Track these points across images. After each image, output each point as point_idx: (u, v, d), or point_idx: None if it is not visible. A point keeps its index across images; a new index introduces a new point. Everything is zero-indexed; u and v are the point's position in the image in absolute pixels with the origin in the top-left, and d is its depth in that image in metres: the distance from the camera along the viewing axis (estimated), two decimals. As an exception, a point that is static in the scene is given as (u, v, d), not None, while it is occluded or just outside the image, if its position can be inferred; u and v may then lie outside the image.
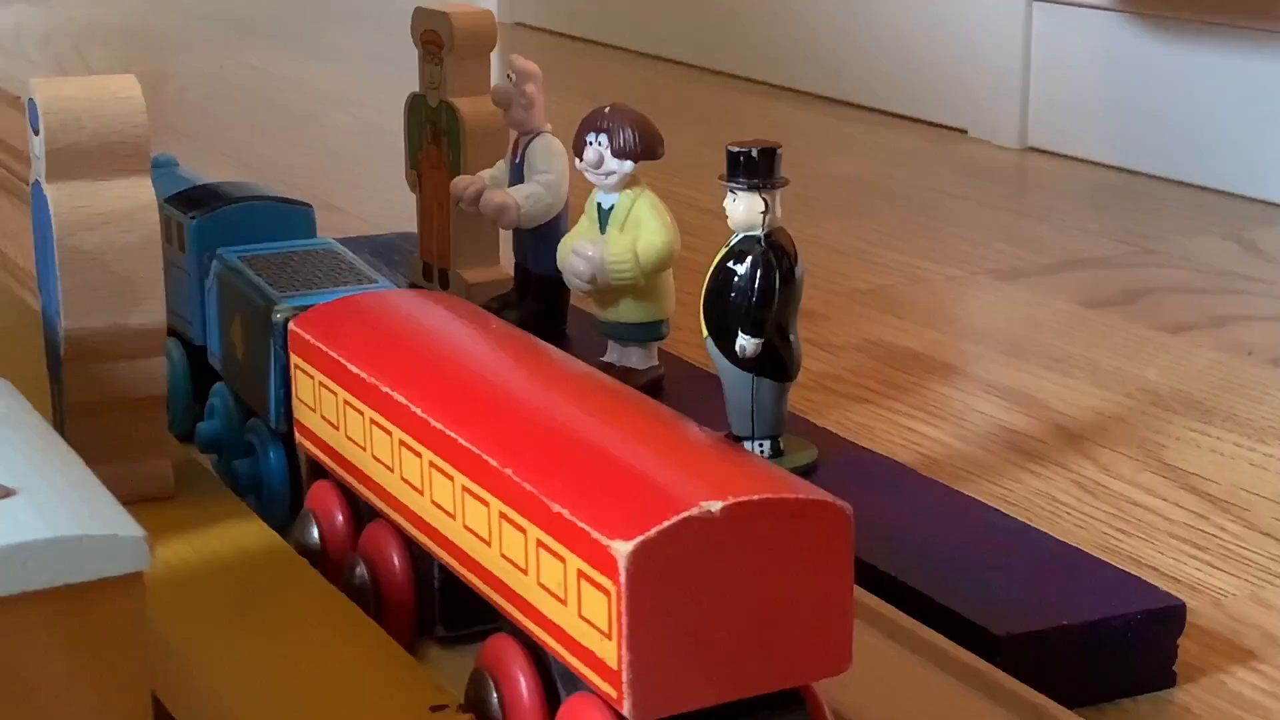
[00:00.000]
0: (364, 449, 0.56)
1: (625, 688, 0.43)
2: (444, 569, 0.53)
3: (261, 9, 2.35)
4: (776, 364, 0.69)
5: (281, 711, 0.51)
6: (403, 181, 0.93)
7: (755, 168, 0.67)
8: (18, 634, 0.43)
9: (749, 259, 0.67)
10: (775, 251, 0.68)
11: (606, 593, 0.43)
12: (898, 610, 0.59)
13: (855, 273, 1.11)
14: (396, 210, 0.90)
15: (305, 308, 0.62)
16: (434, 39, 0.89)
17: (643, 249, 0.75)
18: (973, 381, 0.92)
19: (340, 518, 0.59)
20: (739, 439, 0.70)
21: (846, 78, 1.67)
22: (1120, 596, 0.60)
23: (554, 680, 0.48)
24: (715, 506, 0.43)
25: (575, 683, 0.46)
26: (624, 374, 0.76)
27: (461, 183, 0.84)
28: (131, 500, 0.48)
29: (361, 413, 0.55)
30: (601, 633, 0.43)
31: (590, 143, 0.75)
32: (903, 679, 0.56)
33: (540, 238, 0.83)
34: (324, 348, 0.58)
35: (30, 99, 0.62)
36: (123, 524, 0.44)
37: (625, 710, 0.43)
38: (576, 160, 0.76)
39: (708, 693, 0.44)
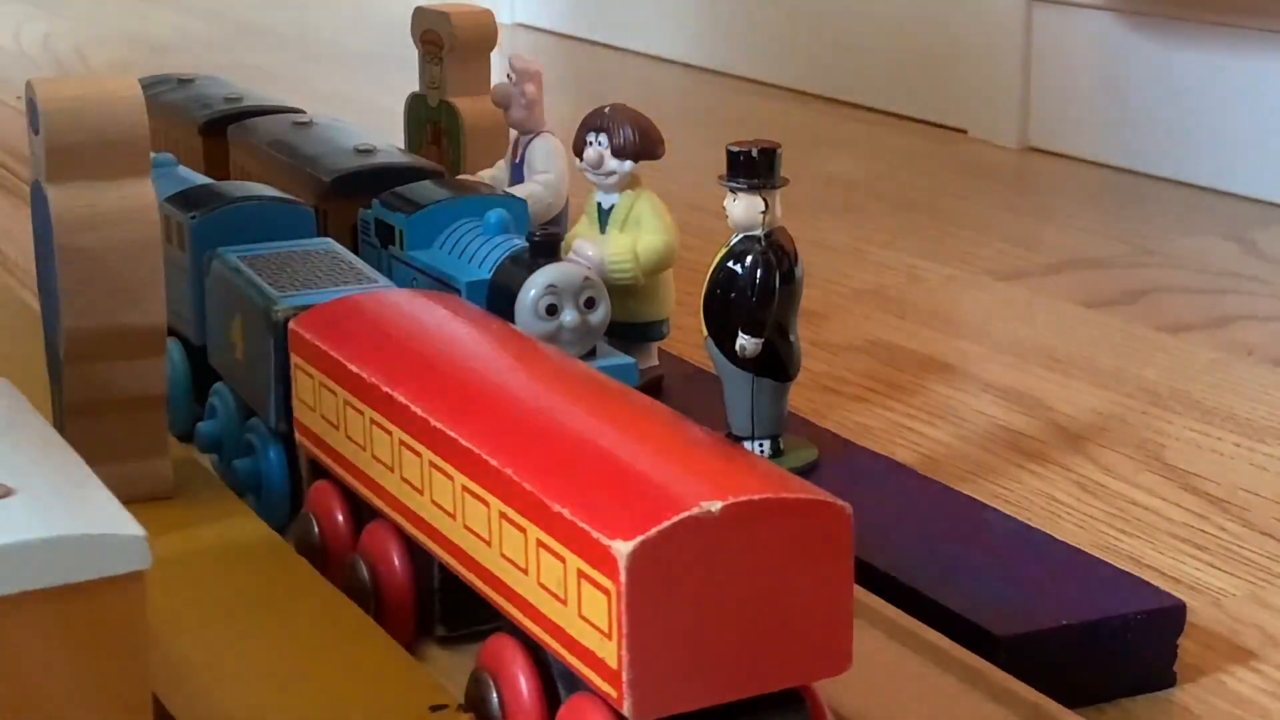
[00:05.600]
0: (364, 449, 0.56)
1: (625, 688, 0.43)
2: (444, 569, 0.53)
3: (261, 9, 2.35)
4: (776, 364, 0.69)
5: (281, 711, 0.51)
6: (403, 181, 0.92)
7: (755, 168, 0.67)
8: (18, 634, 0.43)
9: (749, 259, 0.67)
10: (775, 251, 0.68)
11: (606, 593, 0.43)
12: (898, 610, 0.59)
13: (855, 273, 1.11)
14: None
15: (305, 308, 0.62)
16: (434, 39, 0.89)
17: (643, 249, 0.75)
18: (973, 381, 0.92)
19: (340, 518, 0.59)
20: (739, 439, 0.70)
21: (846, 78, 1.67)
22: (1120, 596, 0.60)
23: (554, 680, 0.48)
24: (715, 506, 0.43)
25: (575, 683, 0.46)
26: (624, 374, 0.76)
27: (462, 183, 0.84)
28: (131, 500, 0.48)
29: (361, 413, 0.55)
30: (601, 633, 0.43)
31: (590, 142, 0.75)
32: (903, 679, 0.56)
33: (540, 238, 0.83)
34: (324, 347, 0.58)
35: (30, 99, 0.62)
36: (123, 523, 0.44)
37: (625, 710, 0.43)
38: (576, 160, 0.76)
39: (708, 693, 0.44)
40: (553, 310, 0.66)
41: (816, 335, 0.97)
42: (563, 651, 0.45)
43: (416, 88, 0.91)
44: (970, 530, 0.66)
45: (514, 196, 0.76)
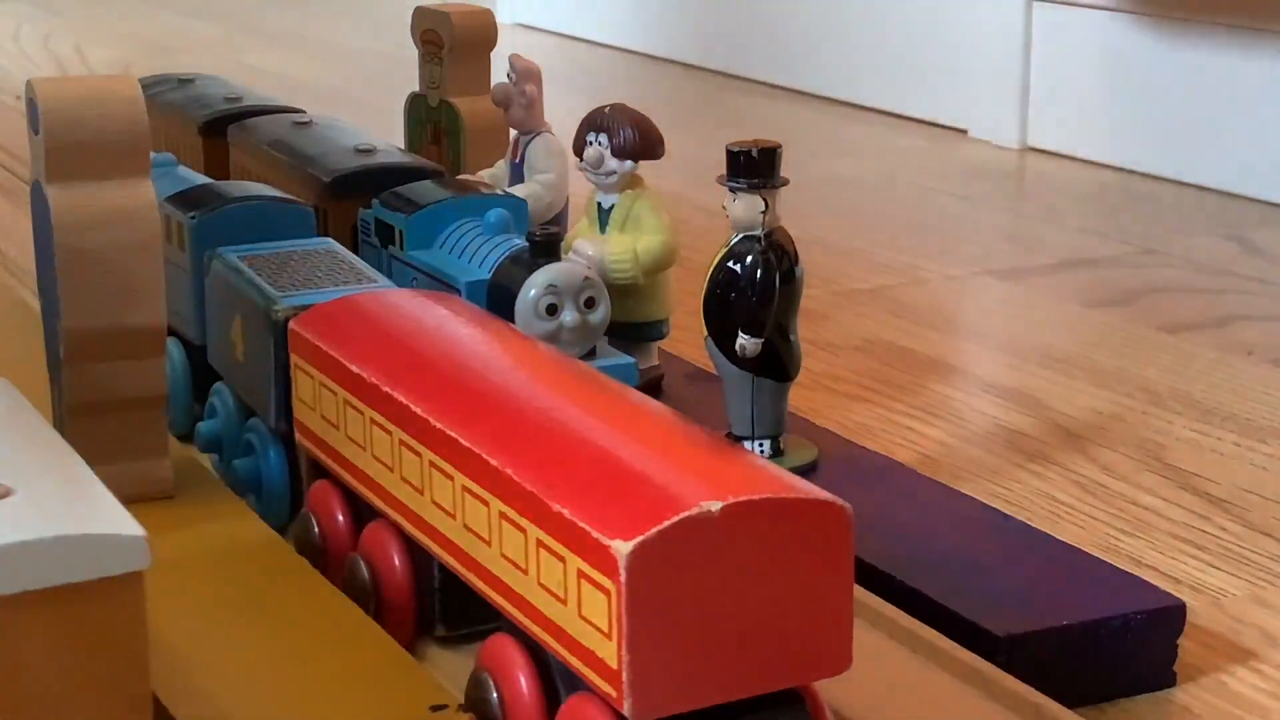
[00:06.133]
0: (364, 449, 0.56)
1: (625, 688, 0.43)
2: (444, 569, 0.53)
3: (261, 9, 2.35)
4: (776, 364, 0.69)
5: (281, 711, 0.51)
6: (403, 181, 0.92)
7: (755, 168, 0.67)
8: (18, 634, 0.43)
9: (749, 259, 0.67)
10: (775, 251, 0.68)
11: (606, 593, 0.43)
12: (899, 610, 0.59)
13: (855, 273, 1.12)
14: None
15: (305, 307, 0.62)
16: (434, 39, 0.89)
17: (642, 249, 0.75)
18: (973, 381, 0.92)
19: (340, 518, 0.59)
20: (739, 439, 0.70)
21: (846, 78, 1.67)
22: (1120, 596, 0.60)
23: (554, 680, 0.48)
24: (715, 506, 0.43)
25: (575, 683, 0.46)
26: (624, 374, 0.76)
27: (462, 183, 0.84)
28: (131, 500, 0.48)
29: (361, 413, 0.55)
30: (601, 633, 0.43)
31: (590, 142, 0.75)
32: (903, 679, 0.56)
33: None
34: (324, 347, 0.58)
35: (30, 99, 0.62)
36: (123, 523, 0.44)
37: (625, 710, 0.43)
38: (576, 160, 0.76)
39: (708, 693, 0.44)
40: (553, 310, 0.65)
41: (816, 335, 0.97)
42: (563, 651, 0.45)
43: (416, 88, 0.91)
44: (970, 530, 0.66)
45: (514, 196, 0.76)
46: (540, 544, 0.45)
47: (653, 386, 0.77)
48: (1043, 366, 0.93)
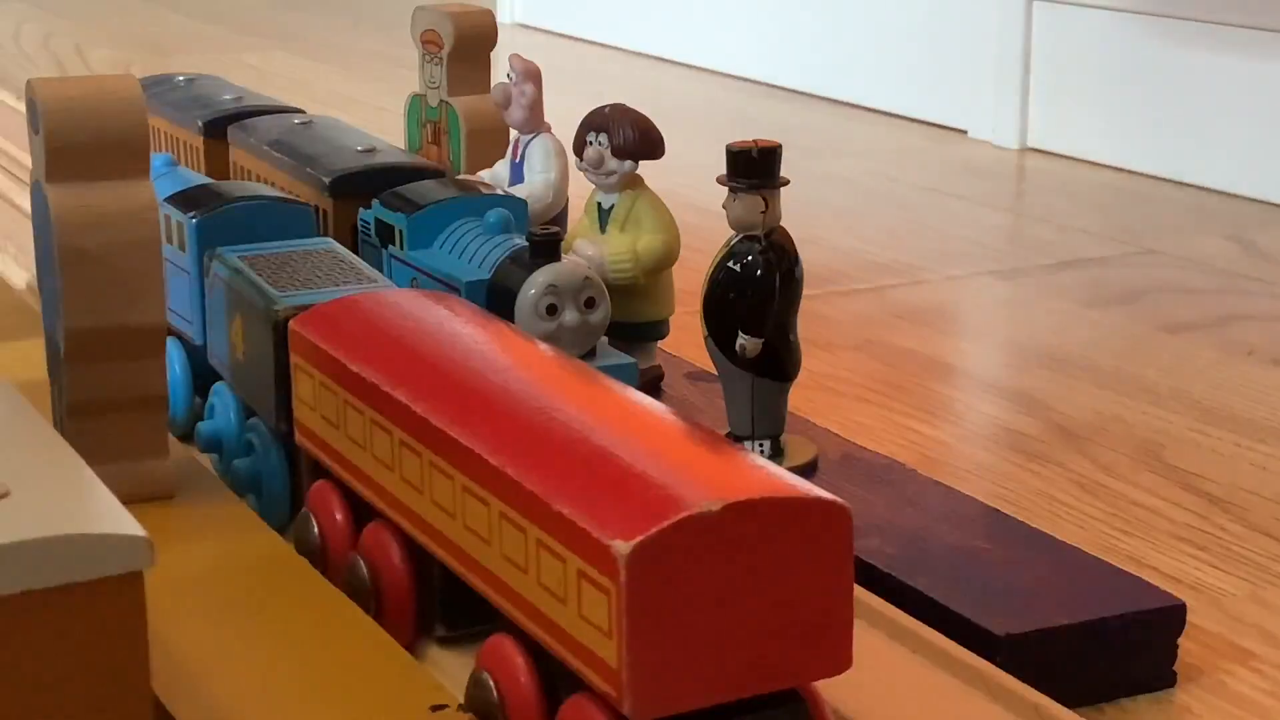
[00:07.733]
0: (364, 449, 0.56)
1: (625, 687, 0.43)
2: (444, 569, 0.53)
3: (261, 9, 2.35)
4: (776, 364, 0.69)
5: (282, 711, 0.51)
6: (403, 181, 0.92)
7: (755, 168, 0.67)
8: (18, 634, 0.43)
9: (749, 259, 0.67)
10: (775, 251, 0.68)
11: (606, 592, 0.43)
12: (898, 610, 0.59)
13: (855, 273, 1.12)
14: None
15: (305, 307, 0.62)
16: (434, 39, 0.89)
17: (643, 249, 0.75)
18: (973, 381, 0.92)
19: (340, 518, 0.59)
20: (739, 439, 0.70)
21: (846, 78, 1.67)
22: (1120, 596, 0.60)
23: (554, 680, 0.48)
24: (715, 506, 0.43)
25: (575, 683, 0.46)
26: (624, 374, 0.76)
27: (462, 183, 0.84)
28: (131, 500, 0.48)
29: (361, 413, 0.55)
30: (601, 632, 0.43)
31: (591, 142, 0.75)
32: (903, 679, 0.56)
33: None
34: (324, 347, 0.58)
35: (30, 99, 0.62)
36: (123, 523, 0.44)
37: (625, 710, 0.43)
38: (576, 160, 0.76)
39: (708, 693, 0.44)
40: (553, 310, 0.65)
41: (816, 335, 0.97)
42: (563, 651, 0.45)
43: (416, 88, 0.91)
44: (970, 530, 0.66)
45: (514, 196, 0.76)
46: (540, 544, 0.45)
47: (653, 386, 0.77)
48: (1043, 366, 0.93)
